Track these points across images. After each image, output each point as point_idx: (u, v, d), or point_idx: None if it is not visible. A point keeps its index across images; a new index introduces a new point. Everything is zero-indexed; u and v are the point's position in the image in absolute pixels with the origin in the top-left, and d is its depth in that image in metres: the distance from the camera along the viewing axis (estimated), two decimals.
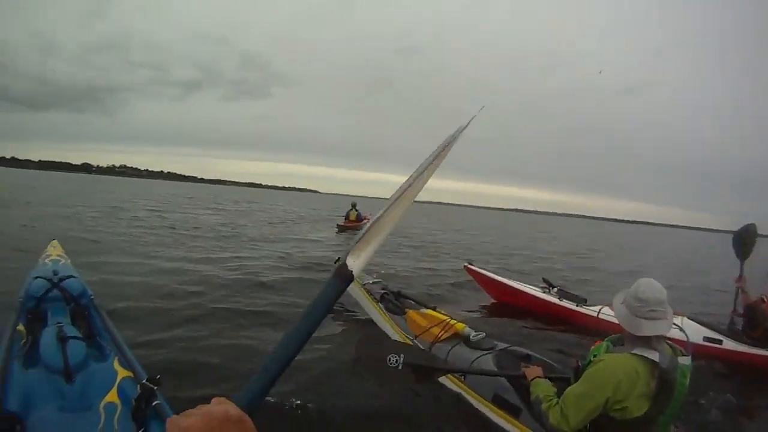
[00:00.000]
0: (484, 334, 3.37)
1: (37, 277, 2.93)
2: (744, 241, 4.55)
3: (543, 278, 6.16)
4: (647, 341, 1.78)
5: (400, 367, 2.32)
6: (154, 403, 1.81)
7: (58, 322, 2.40)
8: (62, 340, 2.17)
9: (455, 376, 3.08)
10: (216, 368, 3.34)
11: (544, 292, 5.78)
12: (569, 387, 1.86)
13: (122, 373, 2.12)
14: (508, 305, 6.17)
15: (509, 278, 6.48)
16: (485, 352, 3.11)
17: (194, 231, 12.67)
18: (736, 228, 4.68)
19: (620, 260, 16.76)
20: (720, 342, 4.45)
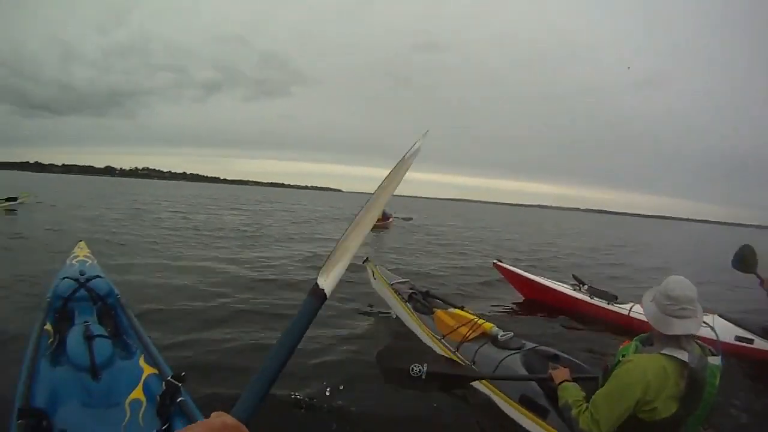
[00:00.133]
0: (512, 333, 3.40)
1: (64, 278, 3.10)
2: (744, 260, 4.47)
3: (573, 275, 6.22)
4: (677, 340, 1.77)
5: (423, 377, 2.33)
6: (178, 400, 1.89)
7: (85, 321, 2.54)
8: (89, 338, 2.29)
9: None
10: (243, 368, 3.42)
11: (574, 290, 5.84)
12: (598, 390, 1.85)
13: (148, 370, 2.22)
14: (538, 303, 6.22)
15: (538, 275, 6.55)
16: (513, 351, 3.14)
17: (218, 232, 13.00)
18: (766, 223, 4.54)
19: (646, 256, 16.70)
20: (752, 341, 4.36)
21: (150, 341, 2.52)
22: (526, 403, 2.73)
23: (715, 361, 1.80)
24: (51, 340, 2.51)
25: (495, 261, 7.02)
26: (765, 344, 4.34)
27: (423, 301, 4.47)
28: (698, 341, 1.84)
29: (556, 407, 2.19)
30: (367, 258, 5.63)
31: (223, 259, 8.45)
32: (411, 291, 4.70)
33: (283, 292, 6.08)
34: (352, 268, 6.09)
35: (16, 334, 3.42)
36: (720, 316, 4.48)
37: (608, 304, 5.41)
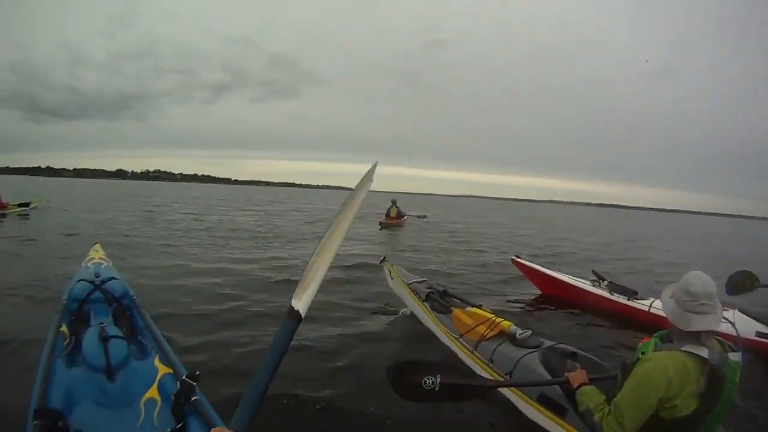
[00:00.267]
0: (530, 331, 3.43)
1: (80, 280, 3.22)
2: (738, 285, 4.54)
3: (593, 271, 6.27)
4: (696, 337, 1.78)
5: (437, 389, 2.35)
6: (193, 399, 1.94)
7: (101, 323, 2.62)
8: (104, 339, 2.37)
9: (499, 375, 3.15)
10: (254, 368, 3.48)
11: (594, 286, 5.89)
12: (619, 392, 1.86)
13: (162, 369, 2.29)
14: (557, 299, 6.24)
15: (557, 271, 6.60)
16: (531, 350, 3.16)
17: (231, 233, 13.17)
18: None
19: (660, 250, 16.73)
20: None
21: (165, 341, 2.59)
22: (545, 401, 2.74)
23: (735, 357, 1.79)
24: (67, 341, 2.59)
25: (513, 257, 7.11)
26: None
27: (440, 300, 4.52)
28: (718, 337, 1.84)
29: (575, 406, 2.19)
30: (384, 258, 5.67)
31: (237, 259, 8.58)
32: (428, 290, 4.75)
33: None
34: (369, 268, 6.15)
35: (31, 337, 3.54)
36: (740, 311, 4.46)
37: (628, 300, 5.44)
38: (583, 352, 3.09)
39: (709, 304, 1.77)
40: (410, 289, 4.87)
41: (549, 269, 6.66)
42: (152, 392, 2.15)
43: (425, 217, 21.31)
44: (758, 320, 4.46)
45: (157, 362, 2.37)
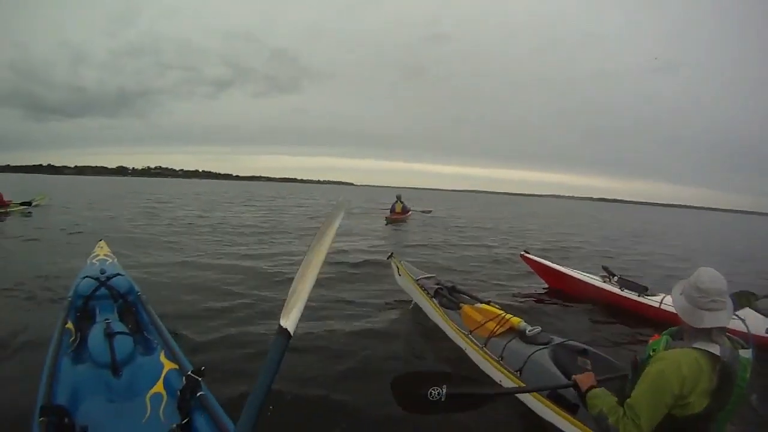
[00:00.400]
0: (540, 328, 3.45)
1: (85, 277, 3.25)
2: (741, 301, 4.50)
3: (603, 267, 6.28)
4: (708, 334, 1.79)
5: (443, 399, 2.30)
6: (198, 394, 1.97)
7: (106, 319, 2.64)
8: (110, 335, 2.39)
9: (511, 372, 3.16)
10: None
11: (604, 281, 5.91)
12: (633, 392, 1.85)
13: (168, 365, 2.32)
14: (567, 295, 6.26)
15: (566, 266, 6.65)
16: (541, 346, 3.18)
17: (236, 229, 13.24)
18: None
19: (668, 246, 16.76)
20: None
21: (170, 337, 2.62)
22: (555, 398, 2.75)
23: (745, 354, 1.81)
24: (72, 338, 2.62)
25: (522, 253, 7.12)
26: None
27: (449, 297, 4.53)
28: (728, 334, 1.85)
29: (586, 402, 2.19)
30: (391, 254, 5.68)
31: (242, 255, 8.64)
32: (437, 286, 4.76)
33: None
34: (376, 264, 6.13)
35: (37, 334, 3.57)
36: (750, 307, 4.46)
37: (639, 296, 5.46)
38: (593, 349, 3.11)
39: (720, 301, 1.78)
40: (419, 285, 4.88)
41: (558, 265, 6.68)
42: (158, 388, 2.18)
43: (430, 212, 21.37)
44: None
45: (162, 358, 2.39)
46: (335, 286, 6.24)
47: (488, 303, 4.08)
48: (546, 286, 6.82)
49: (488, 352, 3.46)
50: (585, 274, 6.24)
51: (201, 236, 11.23)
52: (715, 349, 1.74)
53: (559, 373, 2.85)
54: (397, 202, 17.18)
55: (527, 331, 3.39)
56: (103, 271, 3.35)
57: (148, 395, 2.13)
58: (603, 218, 38.15)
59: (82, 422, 1.84)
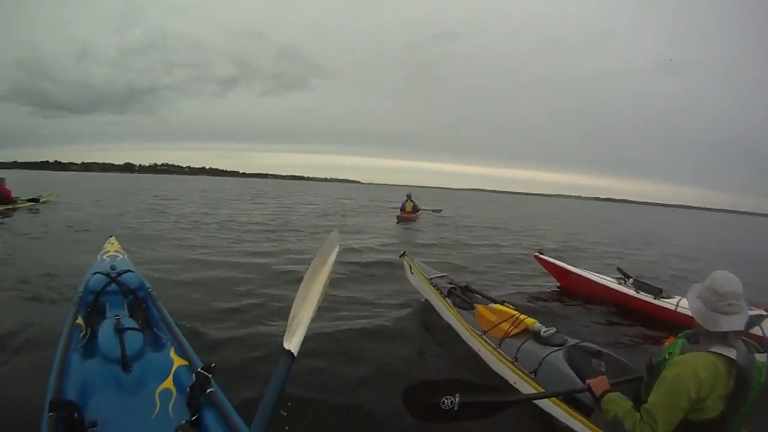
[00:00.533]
0: (555, 329, 3.44)
1: (96, 273, 3.29)
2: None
3: (618, 268, 6.29)
4: (724, 337, 1.82)
5: (456, 408, 2.28)
6: (208, 391, 1.99)
7: (116, 315, 2.68)
8: (120, 331, 2.42)
9: (525, 374, 3.15)
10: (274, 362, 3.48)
11: (619, 283, 5.91)
12: (650, 396, 1.86)
13: (178, 361, 2.34)
14: (581, 296, 6.24)
15: (581, 268, 6.65)
16: (556, 348, 3.17)
17: (244, 226, 13.30)
18: None
19: (678, 247, 16.93)
20: None
21: (180, 333, 2.65)
22: (570, 401, 2.74)
23: (761, 358, 1.83)
24: (83, 333, 2.65)
25: (536, 254, 7.15)
26: None
27: (462, 296, 4.52)
28: (743, 338, 1.87)
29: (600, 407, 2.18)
30: (404, 252, 5.67)
31: (252, 253, 8.70)
32: (450, 286, 4.75)
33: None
34: (387, 262, 6.11)
35: (47, 329, 3.60)
36: (766, 311, 4.42)
37: (654, 298, 5.45)
38: (607, 351, 3.09)
39: (736, 304, 1.80)
40: (432, 284, 4.87)
41: (572, 266, 6.67)
42: (167, 383, 2.20)
43: (440, 211, 21.38)
44: None
45: (172, 354, 2.41)
46: (347, 284, 6.24)
47: (502, 303, 4.05)
48: (560, 287, 6.81)
49: (502, 353, 3.44)
50: (600, 275, 6.24)
51: (209, 233, 11.30)
52: (732, 353, 1.76)
53: (573, 375, 2.84)
54: (407, 201, 17.26)
55: (542, 332, 3.37)
56: (113, 267, 3.39)
57: (158, 391, 2.15)
58: (610, 218, 38.20)
59: (91, 417, 1.86)
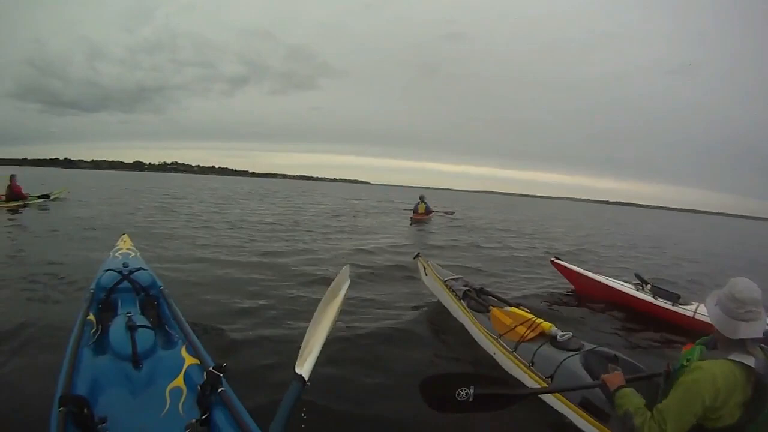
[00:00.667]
0: (571, 333, 3.41)
1: (108, 270, 3.34)
2: None
3: (635, 274, 6.24)
4: (742, 345, 1.82)
5: (471, 400, 2.36)
6: (219, 390, 1.98)
7: (128, 312, 2.70)
8: (131, 328, 2.43)
9: (541, 378, 3.14)
10: (286, 366, 3.47)
11: (636, 289, 5.89)
12: (665, 400, 1.87)
13: (189, 360, 2.34)
14: (598, 302, 6.21)
15: (597, 273, 6.61)
16: (573, 353, 3.16)
17: (255, 225, 13.37)
18: None
19: (687, 251, 16.76)
20: None
21: (192, 332, 2.65)
22: (587, 406, 2.73)
23: None
24: (94, 330, 2.68)
25: (553, 258, 7.15)
26: None
27: (478, 299, 4.50)
28: (761, 345, 1.88)
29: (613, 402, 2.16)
30: (418, 254, 5.66)
31: (264, 252, 8.73)
32: (465, 288, 4.73)
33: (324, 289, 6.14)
34: (401, 264, 6.09)
35: (57, 326, 3.63)
36: None
37: (672, 304, 5.43)
38: (624, 356, 3.08)
39: (755, 311, 1.80)
40: (446, 286, 4.85)
41: (589, 271, 6.65)
42: (178, 382, 2.20)
43: (452, 213, 21.35)
44: None
45: (183, 352, 2.42)
46: (360, 285, 6.22)
47: (518, 306, 4.03)
48: (576, 291, 6.77)
49: (518, 357, 3.42)
50: (617, 281, 6.22)
51: (221, 232, 11.36)
52: (750, 361, 1.78)
53: (590, 380, 2.82)
54: (420, 202, 17.32)
55: (558, 337, 3.35)
56: (125, 265, 3.43)
57: (168, 389, 2.15)
58: (619, 221, 38.17)
59: (101, 413, 1.86)
